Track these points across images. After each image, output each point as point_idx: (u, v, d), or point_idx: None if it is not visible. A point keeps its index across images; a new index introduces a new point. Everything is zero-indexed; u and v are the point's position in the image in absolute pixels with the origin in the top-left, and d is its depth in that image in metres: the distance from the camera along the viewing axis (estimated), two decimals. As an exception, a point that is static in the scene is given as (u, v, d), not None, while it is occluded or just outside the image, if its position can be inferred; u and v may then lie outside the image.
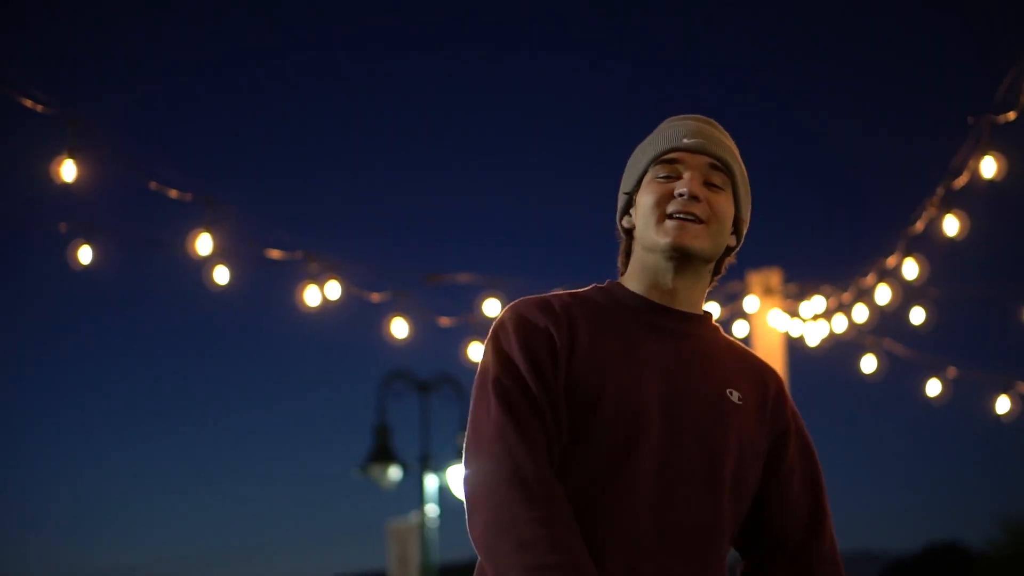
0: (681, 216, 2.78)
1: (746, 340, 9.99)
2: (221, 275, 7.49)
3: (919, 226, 7.83)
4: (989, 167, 6.61)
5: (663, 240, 2.78)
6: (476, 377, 2.80)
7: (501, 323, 2.80)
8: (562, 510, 2.60)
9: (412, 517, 15.28)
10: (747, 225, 2.97)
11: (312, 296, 8.05)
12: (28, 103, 6.15)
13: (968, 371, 10.03)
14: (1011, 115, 6.25)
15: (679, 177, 2.82)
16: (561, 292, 2.88)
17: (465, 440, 2.76)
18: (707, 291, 2.96)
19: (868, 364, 9.76)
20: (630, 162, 2.94)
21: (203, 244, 7.28)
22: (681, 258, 2.81)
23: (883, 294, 8.77)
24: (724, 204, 2.84)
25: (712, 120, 2.97)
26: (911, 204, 7.97)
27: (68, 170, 6.38)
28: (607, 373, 2.73)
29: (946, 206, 7.36)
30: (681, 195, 2.78)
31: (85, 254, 7.05)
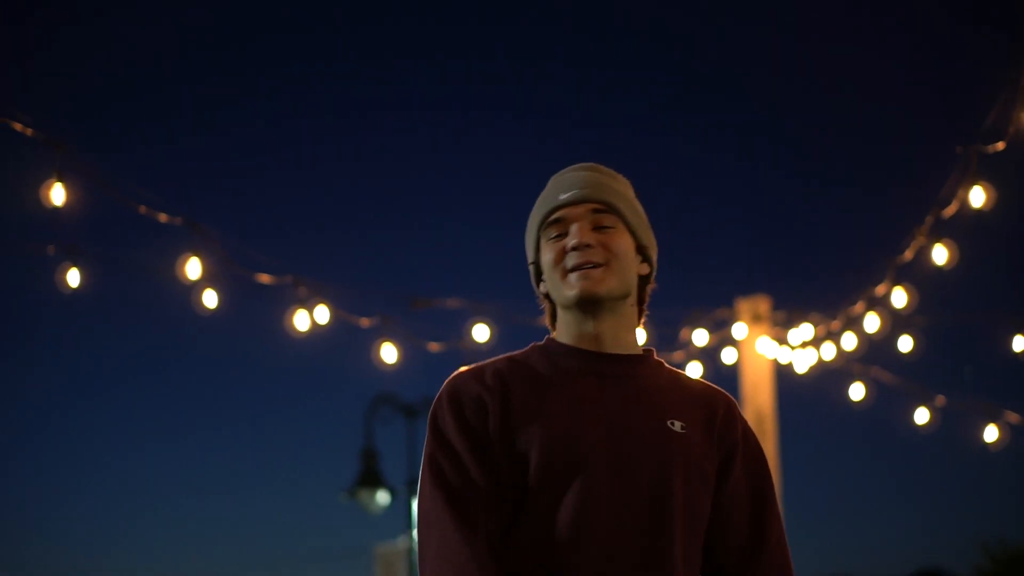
0: (580, 267, 2.86)
1: (734, 367, 10.01)
2: (210, 299, 7.47)
3: (908, 255, 7.84)
4: (978, 197, 6.62)
5: (571, 293, 2.86)
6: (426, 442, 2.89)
7: (438, 399, 2.90)
8: None
9: (399, 542, 15.25)
10: (655, 249, 3.04)
11: (301, 320, 8.04)
12: (17, 127, 6.14)
13: (956, 400, 10.04)
14: (1000, 145, 6.26)
15: (566, 233, 2.90)
16: (500, 358, 2.97)
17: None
18: (637, 327, 3.03)
19: (856, 392, 9.77)
20: (526, 232, 3.03)
21: (192, 268, 7.27)
22: (593, 305, 2.88)
23: (872, 322, 8.79)
24: (619, 240, 2.90)
25: (593, 164, 3.04)
26: (900, 233, 7.99)
27: (57, 194, 6.36)
28: (547, 429, 2.79)
29: (935, 235, 7.37)
30: (574, 248, 2.86)
31: (73, 277, 7.02)
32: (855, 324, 9.11)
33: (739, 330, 9.82)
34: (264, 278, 7.92)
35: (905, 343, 9.20)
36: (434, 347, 8.93)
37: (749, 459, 2.98)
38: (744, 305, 9.93)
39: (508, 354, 2.99)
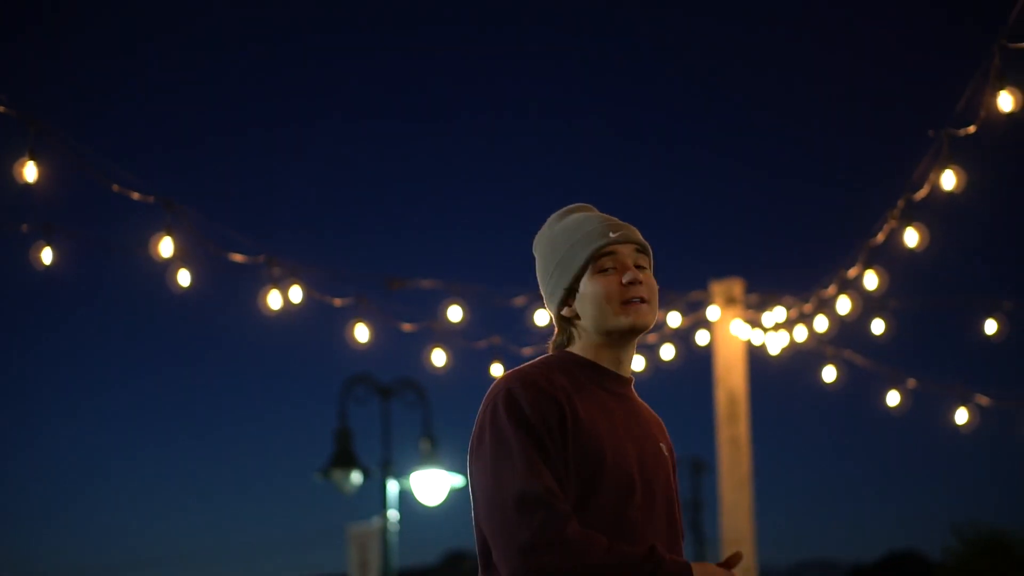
0: (635, 300, 3.25)
1: (708, 349, 10.04)
2: (183, 278, 7.47)
3: (880, 238, 7.88)
4: (949, 180, 6.65)
5: (626, 322, 3.24)
6: (490, 443, 3.14)
7: (509, 392, 3.15)
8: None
9: (373, 522, 15.25)
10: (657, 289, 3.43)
11: (274, 300, 8.04)
12: (-10, 104, 6.11)
13: (928, 382, 10.09)
14: (971, 129, 6.28)
15: (617, 268, 3.28)
16: (538, 362, 3.28)
17: (490, 502, 3.11)
18: None
19: (828, 374, 9.81)
20: (558, 260, 3.33)
21: (165, 247, 7.26)
22: (635, 334, 3.29)
23: (844, 305, 8.82)
24: (652, 280, 3.33)
25: (591, 206, 3.47)
26: (872, 216, 8.02)
27: (29, 171, 6.35)
28: (603, 440, 3.15)
29: (906, 218, 7.40)
30: (631, 283, 3.25)
31: (46, 255, 7.02)
32: (827, 307, 9.14)
33: (712, 312, 9.85)
34: (237, 257, 7.92)
35: (877, 326, 9.25)
36: (408, 327, 8.94)
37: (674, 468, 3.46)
38: (718, 287, 9.97)
39: (541, 359, 3.31)
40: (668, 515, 3.27)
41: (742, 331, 9.89)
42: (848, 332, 9.48)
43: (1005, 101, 5.86)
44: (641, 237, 3.35)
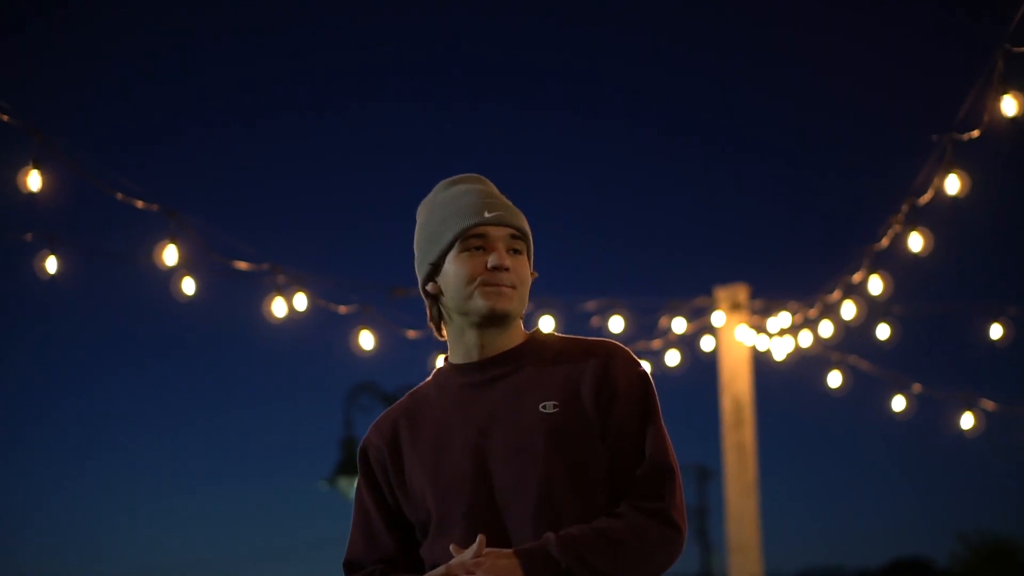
0: (496, 285, 3.07)
1: (713, 355, 10.03)
2: (188, 286, 7.47)
3: (884, 243, 7.87)
4: (953, 185, 6.64)
5: (482, 305, 3.06)
6: None
7: (357, 451, 3.23)
8: None
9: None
10: (535, 277, 3.24)
11: (279, 308, 8.04)
12: (-7, 113, 6.12)
13: (933, 388, 10.09)
14: (975, 133, 6.28)
15: (486, 249, 3.10)
16: (404, 398, 3.26)
17: None
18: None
19: (834, 379, 9.81)
20: (428, 233, 3.19)
21: (169, 255, 7.26)
22: (496, 320, 3.09)
23: (848, 310, 8.82)
24: (525, 267, 3.14)
25: (486, 180, 3.27)
26: (876, 221, 8.02)
27: (34, 180, 6.35)
28: (426, 464, 3.09)
29: (911, 223, 7.40)
30: (495, 267, 3.06)
31: (51, 264, 7.02)
32: (832, 312, 9.14)
33: (717, 318, 9.84)
34: (242, 265, 7.92)
35: (882, 331, 9.24)
36: (412, 335, 8.94)
37: (626, 401, 3.08)
38: (722, 293, 9.96)
39: (413, 389, 3.27)
40: (544, 486, 2.97)
41: (747, 337, 9.88)
42: (853, 337, 9.48)
43: (1009, 106, 5.85)
44: (521, 222, 3.16)
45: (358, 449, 3.22)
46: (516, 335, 3.17)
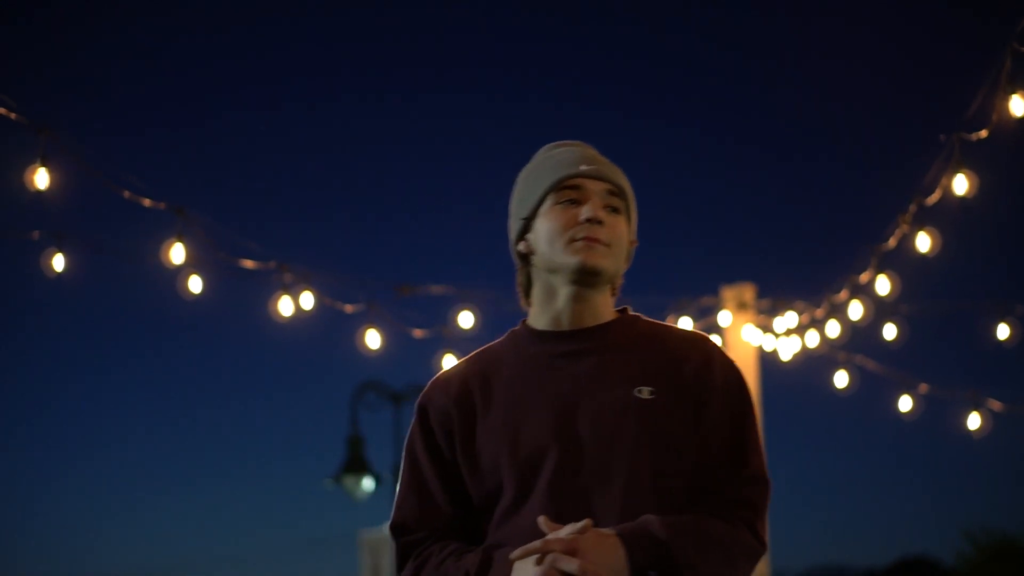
0: (588, 239, 2.90)
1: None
2: (195, 284, 7.47)
3: (891, 243, 7.86)
4: (961, 185, 6.63)
5: (572, 260, 2.90)
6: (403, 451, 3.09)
7: (415, 409, 3.04)
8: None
9: (384, 528, 15.25)
10: (636, 246, 3.09)
11: (285, 306, 8.04)
12: (0, 110, 6.12)
13: (940, 387, 10.07)
14: (983, 133, 6.27)
15: (580, 202, 2.94)
16: (471, 356, 3.07)
17: None
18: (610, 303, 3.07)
19: (840, 379, 9.79)
20: (522, 188, 3.04)
21: (176, 253, 7.26)
22: (587, 277, 2.93)
23: (855, 310, 8.81)
24: (622, 227, 2.98)
25: (586, 144, 3.11)
26: (884, 221, 8.01)
27: (41, 178, 6.35)
28: (504, 431, 2.89)
29: (918, 223, 7.39)
30: (588, 220, 2.91)
31: (58, 262, 7.02)
32: (839, 312, 9.13)
33: (724, 318, 9.83)
34: (249, 263, 7.91)
35: (889, 331, 9.22)
36: (419, 333, 8.94)
37: (724, 399, 2.97)
38: (729, 293, 9.95)
39: (482, 348, 3.08)
40: (632, 471, 2.83)
41: (754, 337, 9.87)
42: (860, 337, 9.46)
43: (1017, 105, 5.84)
44: (620, 178, 3.01)
45: (416, 405, 3.02)
46: (606, 308, 3.02)
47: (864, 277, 8.47)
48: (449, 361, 9.06)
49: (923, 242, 7.37)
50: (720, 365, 2.99)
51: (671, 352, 2.98)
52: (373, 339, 8.62)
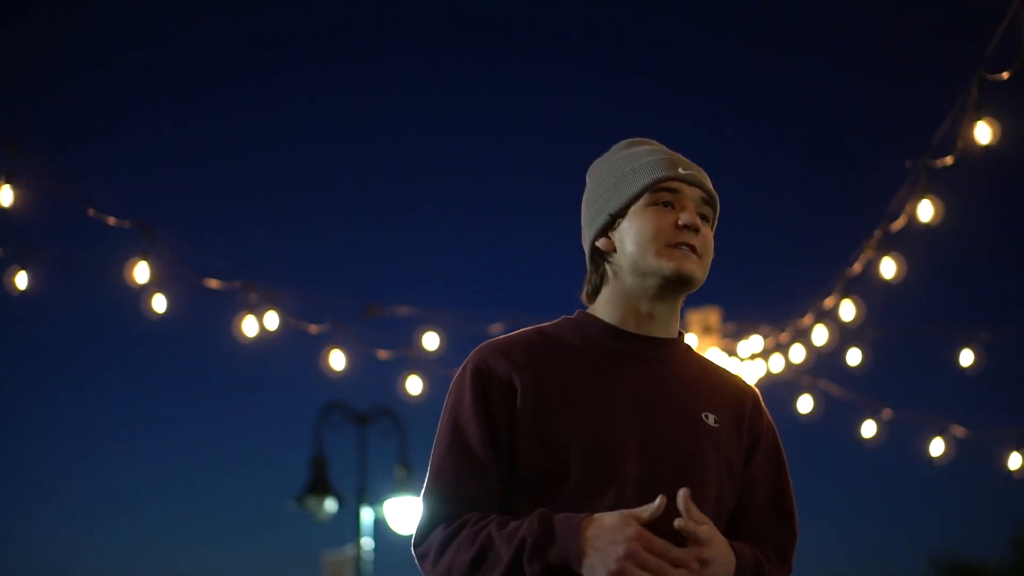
0: (684, 246, 2.78)
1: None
2: (159, 303, 7.44)
3: (856, 268, 7.89)
4: (926, 211, 6.67)
5: (666, 266, 2.78)
6: (442, 414, 2.83)
7: (463, 370, 2.82)
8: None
9: (347, 549, 15.20)
10: (713, 257, 2.98)
11: (250, 326, 8.01)
12: (-35, 127, 6.09)
13: (904, 413, 10.11)
14: (948, 160, 6.31)
15: (677, 206, 2.82)
16: (529, 330, 2.89)
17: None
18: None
19: (805, 404, 9.82)
20: (608, 182, 2.92)
21: (141, 272, 7.23)
22: (677, 285, 2.82)
23: (820, 335, 8.83)
24: (711, 237, 2.88)
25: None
26: (849, 246, 8.05)
27: (5, 195, 6.32)
28: (578, 413, 2.73)
29: (883, 249, 7.42)
30: (686, 226, 2.79)
31: (21, 279, 6.98)
32: (804, 336, 9.15)
33: (689, 341, 9.84)
34: (213, 283, 7.89)
35: (853, 356, 9.25)
36: (384, 354, 8.92)
37: (769, 449, 2.95)
38: (694, 316, 9.97)
39: (538, 326, 2.91)
40: (695, 491, 2.66)
41: (719, 360, 9.89)
42: (824, 362, 9.49)
43: (983, 133, 5.87)
44: (711, 187, 2.90)
45: (468, 368, 2.80)
46: (675, 323, 2.93)
47: (829, 302, 8.50)
48: (413, 382, 9.05)
49: (888, 268, 7.40)
50: (768, 418, 2.98)
51: (730, 389, 2.94)
52: (338, 360, 8.59)
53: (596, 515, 2.56)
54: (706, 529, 2.58)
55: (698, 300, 10.06)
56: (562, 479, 2.70)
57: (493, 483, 2.73)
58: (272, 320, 8.11)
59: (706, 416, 2.84)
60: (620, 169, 2.91)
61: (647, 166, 2.87)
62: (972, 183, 6.72)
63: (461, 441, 2.75)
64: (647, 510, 2.53)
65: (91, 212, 6.98)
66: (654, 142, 3.01)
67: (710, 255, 2.87)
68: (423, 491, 2.78)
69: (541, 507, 2.65)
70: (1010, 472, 10.16)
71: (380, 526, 15.00)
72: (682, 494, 2.58)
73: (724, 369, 3.03)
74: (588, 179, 3.00)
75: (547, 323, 2.93)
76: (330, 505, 14.33)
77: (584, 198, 2.98)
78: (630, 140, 3.00)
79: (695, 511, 2.58)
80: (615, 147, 3.00)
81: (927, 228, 6.78)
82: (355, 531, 14.85)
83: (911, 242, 7.27)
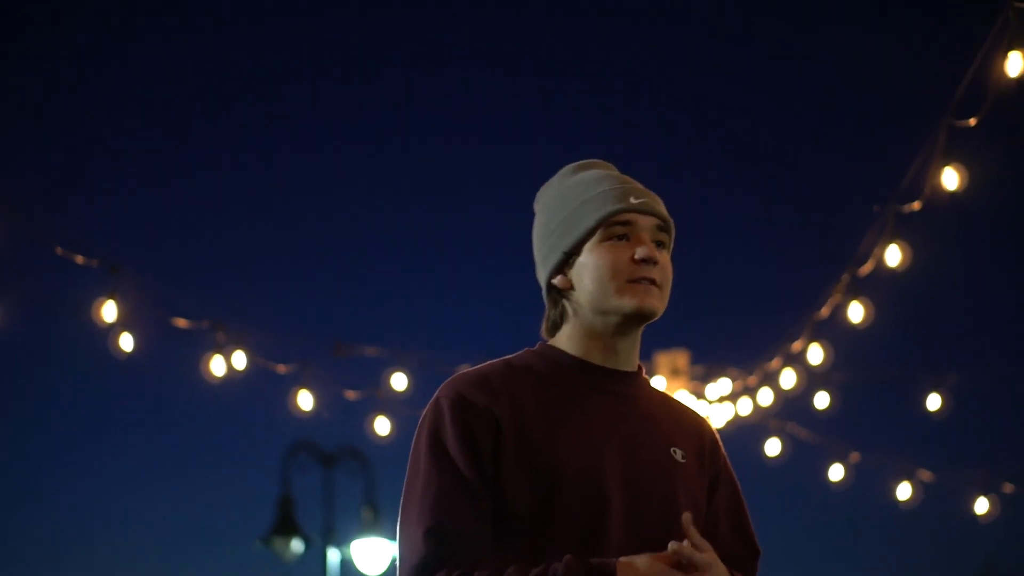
0: (644, 280, 2.73)
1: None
2: (126, 343, 7.40)
3: (824, 312, 7.92)
4: (894, 256, 6.69)
5: (627, 304, 2.72)
6: (410, 457, 2.74)
7: (436, 403, 2.73)
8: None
9: (313, 591, 15.11)
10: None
11: (218, 366, 7.98)
12: (-67, 164, 6.07)
13: (871, 456, 10.13)
14: (916, 205, 6.34)
15: (632, 239, 2.76)
16: (496, 362, 2.82)
17: (400, 514, 2.71)
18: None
19: (772, 447, 9.83)
20: (560, 217, 2.85)
21: (108, 311, 7.19)
22: (639, 320, 2.77)
23: (788, 378, 8.85)
24: (669, 264, 2.82)
25: (611, 165, 2.96)
26: (817, 290, 8.07)
27: (-29, 233, 6.29)
28: (563, 446, 2.68)
29: (851, 293, 7.45)
30: (644, 260, 2.73)
31: (-14, 318, 6.94)
32: (772, 380, 9.17)
33: (657, 383, 9.83)
34: (181, 323, 7.86)
35: (821, 399, 9.28)
36: (352, 395, 8.90)
37: (729, 482, 2.95)
38: (663, 359, 9.96)
39: (504, 359, 2.84)
40: (669, 526, 2.67)
41: (686, 403, 9.89)
42: (792, 405, 9.51)
43: (950, 178, 5.91)
44: (666, 211, 2.82)
45: (445, 399, 2.70)
46: (636, 355, 2.87)
47: (797, 346, 8.52)
48: (381, 423, 9.03)
49: (856, 312, 7.42)
50: (723, 449, 2.98)
51: (689, 423, 2.92)
52: (306, 400, 8.57)
53: (625, 559, 2.55)
54: (708, 556, 2.56)
55: (667, 342, 10.07)
56: (548, 514, 2.64)
57: (488, 520, 2.64)
58: (240, 360, 8.08)
59: (674, 451, 2.81)
60: (571, 202, 2.84)
61: (598, 198, 2.80)
62: (940, 229, 6.75)
63: (452, 474, 2.65)
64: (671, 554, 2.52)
65: (59, 251, 6.95)
66: (602, 163, 2.94)
67: (669, 283, 2.81)
68: (407, 530, 2.67)
69: (529, 543, 2.61)
70: (976, 516, 10.19)
71: (347, 567, 14.93)
72: (686, 519, 2.55)
73: (679, 401, 3.03)
74: (537, 209, 2.93)
75: (511, 355, 2.86)
76: (296, 546, 14.25)
77: (535, 231, 2.91)
78: (578, 164, 2.94)
79: (697, 537, 2.56)
80: (563, 171, 2.94)
81: (895, 273, 6.81)
82: (322, 572, 14.78)
83: (879, 287, 7.30)
